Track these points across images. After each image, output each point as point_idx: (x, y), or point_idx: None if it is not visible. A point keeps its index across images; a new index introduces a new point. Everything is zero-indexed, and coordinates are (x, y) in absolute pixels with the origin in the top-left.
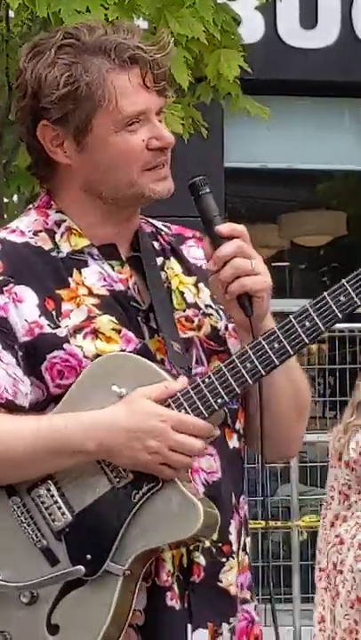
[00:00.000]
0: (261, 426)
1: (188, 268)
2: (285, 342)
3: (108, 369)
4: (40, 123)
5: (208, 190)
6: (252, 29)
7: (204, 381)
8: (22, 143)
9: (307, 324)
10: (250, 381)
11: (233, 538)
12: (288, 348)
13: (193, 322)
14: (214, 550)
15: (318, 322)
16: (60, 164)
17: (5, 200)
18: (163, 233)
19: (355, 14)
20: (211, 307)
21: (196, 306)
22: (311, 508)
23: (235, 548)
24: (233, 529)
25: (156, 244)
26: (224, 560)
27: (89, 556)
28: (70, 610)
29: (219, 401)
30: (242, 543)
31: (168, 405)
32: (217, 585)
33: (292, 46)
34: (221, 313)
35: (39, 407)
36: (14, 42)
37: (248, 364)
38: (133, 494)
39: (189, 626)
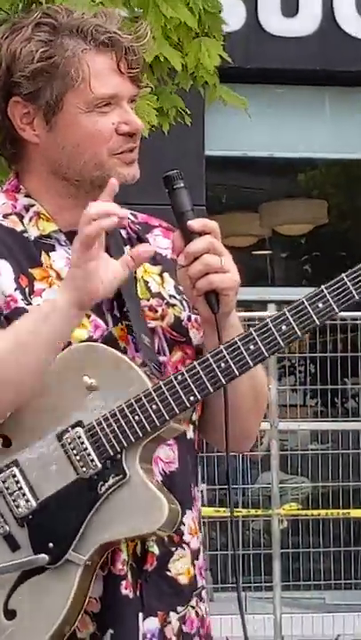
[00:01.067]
0: (226, 422)
1: (154, 258)
2: (261, 344)
3: (80, 359)
4: (11, 99)
5: (182, 185)
6: (233, 17)
7: (176, 378)
8: None
9: (283, 327)
10: (223, 381)
11: (185, 528)
12: (263, 350)
13: (157, 312)
14: (166, 539)
15: (295, 326)
16: (29, 144)
17: None
18: (129, 221)
19: (336, 3)
20: (175, 297)
21: (160, 295)
22: (292, 496)
23: (186, 538)
24: (186, 519)
25: (123, 232)
26: (173, 549)
27: (51, 545)
28: (28, 596)
29: (191, 398)
30: (198, 534)
31: (139, 400)
32: (166, 574)
33: (273, 35)
34: (185, 303)
35: None
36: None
37: (222, 364)
38: (99, 486)
39: (140, 614)
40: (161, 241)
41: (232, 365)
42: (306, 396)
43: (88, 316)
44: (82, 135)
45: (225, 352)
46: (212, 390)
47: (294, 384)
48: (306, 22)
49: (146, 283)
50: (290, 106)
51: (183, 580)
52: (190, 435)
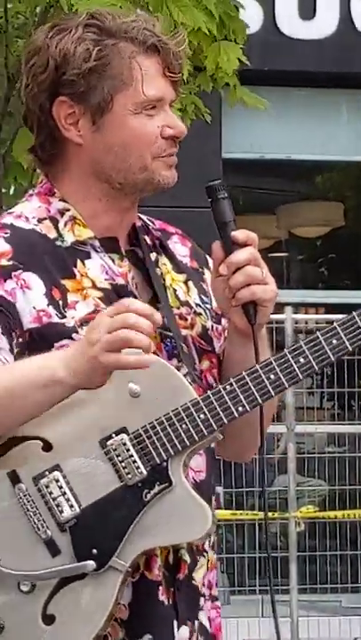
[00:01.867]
0: (261, 431)
1: (178, 265)
2: (311, 358)
3: None
4: (57, 99)
5: (225, 195)
6: (250, 20)
7: (225, 388)
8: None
9: (334, 341)
10: (272, 393)
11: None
12: (313, 363)
13: (186, 320)
14: (194, 548)
15: (345, 340)
16: (70, 144)
17: (3, 190)
18: (150, 227)
19: (353, 5)
20: (200, 305)
21: (187, 304)
22: (309, 498)
23: (206, 546)
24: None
25: (147, 239)
26: (198, 558)
27: (95, 551)
28: (68, 602)
29: (240, 409)
30: (212, 540)
31: (187, 409)
32: (192, 583)
33: (291, 37)
34: (208, 312)
35: None
36: (13, 33)
37: (272, 376)
38: (144, 493)
39: (175, 622)
40: (180, 248)
41: (281, 377)
42: (323, 398)
43: None
44: (129, 136)
45: (275, 364)
46: (260, 402)
47: (311, 386)
48: (323, 25)
49: (174, 291)
50: (307, 108)
51: (201, 588)
52: (220, 437)
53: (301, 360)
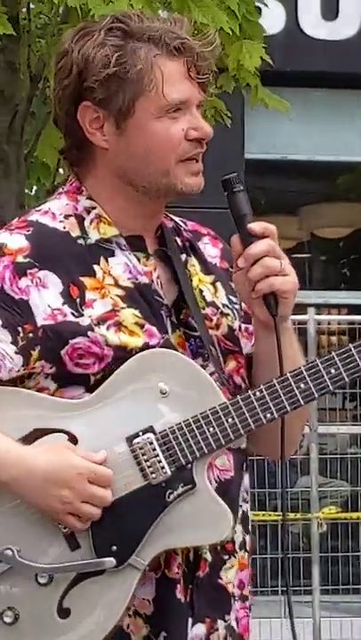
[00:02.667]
0: (282, 435)
1: (207, 266)
2: (342, 369)
3: (156, 364)
4: (81, 104)
5: (241, 188)
6: (273, 20)
7: (255, 394)
8: (43, 135)
9: None
10: (302, 402)
11: (236, 536)
12: (344, 375)
13: (212, 320)
14: (219, 547)
15: None
16: (97, 148)
17: (25, 190)
18: (182, 228)
19: None
20: (227, 306)
21: (214, 305)
22: (331, 499)
23: (237, 546)
24: (236, 527)
25: (178, 240)
26: (226, 557)
27: (115, 548)
28: (84, 596)
29: (268, 416)
30: (242, 540)
31: (215, 412)
32: (217, 582)
33: (314, 37)
34: (236, 313)
35: (61, 384)
36: (35, 33)
37: (302, 385)
38: (168, 494)
39: (190, 619)
40: (210, 249)
41: (312, 387)
42: (345, 399)
43: (141, 326)
44: (152, 140)
45: (305, 373)
46: (289, 410)
47: None
48: (346, 26)
49: (201, 291)
50: (329, 109)
51: (230, 588)
52: (244, 445)
53: (333, 371)
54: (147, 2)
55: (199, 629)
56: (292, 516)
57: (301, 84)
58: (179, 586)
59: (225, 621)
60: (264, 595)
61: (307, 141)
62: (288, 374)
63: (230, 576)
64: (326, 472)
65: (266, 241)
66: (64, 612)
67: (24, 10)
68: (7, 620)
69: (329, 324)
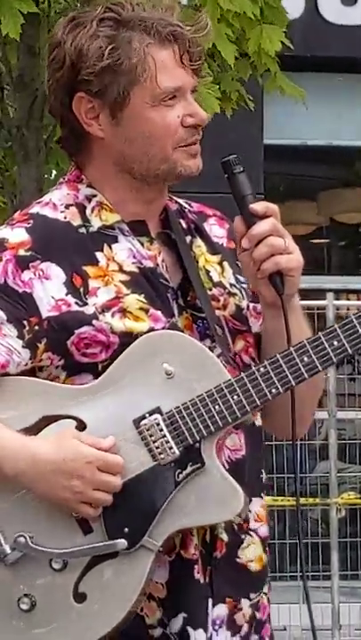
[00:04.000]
0: (292, 414)
1: (213, 247)
2: (345, 341)
3: (161, 346)
4: (76, 95)
5: (241, 169)
6: (292, 6)
7: (259, 370)
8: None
9: None
10: (306, 375)
11: (252, 515)
12: (347, 347)
13: (219, 301)
14: (235, 527)
15: None
16: (94, 138)
17: (45, 175)
18: (187, 210)
19: None
20: (235, 286)
21: (221, 285)
22: (350, 485)
23: (253, 525)
24: (253, 506)
25: (182, 222)
26: (243, 536)
27: (126, 530)
28: (99, 580)
29: (273, 391)
30: (266, 521)
31: (220, 390)
32: (235, 561)
33: (333, 23)
34: (244, 292)
35: (70, 373)
36: (54, 17)
37: (305, 358)
38: (177, 473)
39: (210, 600)
40: (217, 230)
41: (315, 360)
42: None
43: (146, 311)
44: (149, 129)
45: (308, 347)
46: (294, 384)
47: (352, 373)
48: None
49: (207, 272)
50: (349, 94)
51: (255, 566)
52: (258, 422)
53: (335, 343)
54: None
55: (220, 610)
56: (310, 501)
57: (320, 69)
58: (197, 567)
59: (250, 600)
60: (283, 580)
61: (326, 127)
62: (291, 348)
63: (250, 554)
64: (345, 457)
65: (269, 220)
66: (80, 597)
67: None
68: (24, 606)
69: (348, 309)
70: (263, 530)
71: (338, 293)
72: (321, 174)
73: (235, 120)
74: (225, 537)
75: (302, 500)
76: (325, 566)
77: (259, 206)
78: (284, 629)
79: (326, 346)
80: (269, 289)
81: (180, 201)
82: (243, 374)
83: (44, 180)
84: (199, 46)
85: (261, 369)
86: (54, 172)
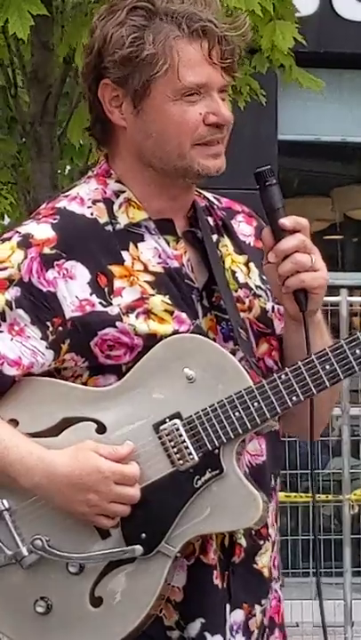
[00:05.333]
0: (311, 416)
1: (239, 246)
2: None
3: (183, 350)
4: (102, 81)
5: (274, 181)
6: (306, 2)
7: (280, 377)
8: (74, 115)
9: None
10: (327, 384)
11: (270, 521)
12: None
13: (244, 303)
14: (253, 532)
15: None
16: (117, 126)
17: (59, 171)
18: (215, 207)
19: None
20: (260, 287)
21: (246, 286)
22: None
23: (270, 531)
24: (270, 512)
25: (210, 220)
26: (261, 542)
27: (144, 535)
28: (116, 585)
29: (293, 399)
30: (276, 525)
31: (241, 397)
32: (252, 567)
33: (347, 19)
34: (269, 293)
35: (93, 373)
36: (69, 13)
37: (327, 367)
38: (195, 479)
39: (228, 605)
40: (244, 227)
41: (337, 369)
42: None
43: (171, 312)
44: (168, 123)
45: (330, 355)
46: (315, 392)
47: None
48: None
49: (233, 273)
50: None
51: (266, 572)
52: (277, 427)
53: (358, 352)
54: None
55: (237, 615)
56: (323, 497)
57: (335, 65)
58: (215, 572)
59: (261, 606)
60: (296, 576)
61: (340, 123)
62: (313, 356)
63: (265, 561)
64: (358, 454)
65: (297, 236)
66: (96, 601)
67: None
68: (40, 609)
69: None
70: (273, 534)
71: (351, 290)
72: (335, 171)
73: (249, 116)
74: (244, 542)
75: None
76: (338, 563)
77: (288, 221)
78: (297, 626)
79: (349, 354)
80: (293, 304)
81: (209, 195)
82: (264, 381)
83: (57, 176)
84: (232, 44)
85: (283, 376)
86: (68, 168)
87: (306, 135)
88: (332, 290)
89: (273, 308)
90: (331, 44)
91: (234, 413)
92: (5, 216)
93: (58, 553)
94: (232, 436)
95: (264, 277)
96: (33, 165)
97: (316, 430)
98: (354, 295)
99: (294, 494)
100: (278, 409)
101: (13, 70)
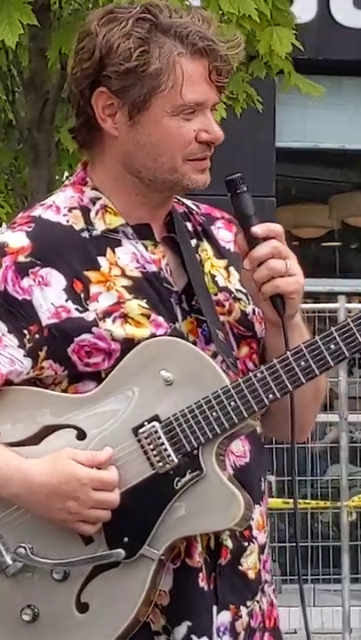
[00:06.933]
0: (292, 418)
1: (219, 251)
2: (342, 344)
3: (159, 352)
4: (98, 88)
5: (245, 189)
6: (304, 9)
7: (255, 375)
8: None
9: None
10: (303, 380)
11: (253, 523)
12: (344, 350)
13: (224, 306)
14: (238, 534)
15: None
16: (106, 134)
17: (56, 177)
18: (194, 213)
19: None
20: (240, 291)
21: (226, 290)
22: None
23: (255, 532)
24: (254, 514)
25: (189, 225)
26: (246, 544)
27: (126, 539)
28: (101, 590)
29: (270, 396)
30: (265, 528)
31: (217, 397)
32: (238, 568)
33: (345, 26)
34: (250, 297)
35: (73, 380)
36: (66, 19)
37: (303, 363)
38: (176, 481)
39: (215, 607)
40: (224, 233)
41: (312, 365)
42: None
43: (147, 316)
44: (163, 137)
45: (305, 351)
46: (291, 389)
47: None
48: None
49: (213, 277)
50: None
51: (252, 574)
52: (259, 429)
53: (332, 347)
54: None
55: (225, 617)
56: (321, 504)
57: (333, 72)
58: (201, 574)
59: (247, 607)
60: (294, 583)
61: (338, 130)
62: (288, 353)
63: (250, 562)
64: (356, 461)
65: (270, 242)
66: (82, 607)
67: None
68: (26, 617)
69: (360, 312)
70: (262, 537)
71: (349, 296)
72: (333, 177)
73: (247, 123)
74: (230, 544)
75: (313, 503)
76: (336, 569)
77: (260, 229)
78: (295, 632)
79: (323, 350)
80: (271, 309)
81: (188, 202)
82: (240, 380)
83: (54, 182)
84: (229, 65)
85: (258, 374)
86: (65, 174)
87: (304, 142)
88: (331, 296)
89: (254, 311)
90: (329, 51)
91: (211, 414)
92: (4, 224)
93: (41, 560)
94: (210, 437)
95: None
96: (30, 172)
97: (299, 432)
98: (352, 302)
99: (292, 501)
100: (255, 407)
101: (11, 76)
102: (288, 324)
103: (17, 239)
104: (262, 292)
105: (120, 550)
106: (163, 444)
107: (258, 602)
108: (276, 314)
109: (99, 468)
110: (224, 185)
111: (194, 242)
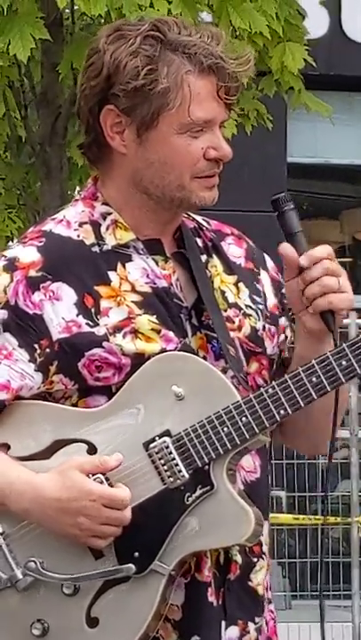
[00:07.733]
0: (333, 430)
1: (229, 267)
2: (354, 360)
3: (170, 367)
4: (106, 106)
5: (292, 206)
6: (316, 25)
7: (267, 391)
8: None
9: None
10: (315, 396)
11: (263, 539)
12: (356, 366)
13: (234, 322)
14: (247, 549)
15: None
16: (116, 152)
17: (68, 192)
18: (204, 229)
19: None
20: (250, 307)
21: (236, 306)
22: None
23: (264, 548)
24: (264, 529)
25: (199, 241)
26: (255, 560)
27: (137, 554)
28: (111, 605)
29: (282, 412)
30: (268, 543)
31: (229, 412)
32: (247, 584)
33: (357, 41)
34: (260, 313)
35: (83, 395)
36: (79, 34)
37: (314, 379)
38: (186, 497)
39: (223, 622)
40: (234, 249)
41: (324, 381)
42: None
43: (158, 331)
44: (171, 155)
45: (317, 367)
46: (303, 405)
47: None
48: None
49: (223, 293)
50: None
51: (261, 590)
52: (267, 444)
53: (344, 363)
54: (186, 6)
55: (233, 632)
56: (332, 520)
57: (344, 87)
58: (210, 589)
59: (255, 624)
60: (304, 599)
61: (349, 145)
62: (299, 369)
63: (260, 578)
64: None
65: (322, 264)
66: (93, 622)
67: (67, 11)
68: (36, 632)
69: None
70: (267, 552)
71: None
72: (344, 193)
73: (259, 139)
74: (239, 559)
75: (323, 519)
76: (346, 585)
77: (305, 262)
78: None
79: (335, 366)
80: (314, 321)
81: (198, 218)
82: (251, 395)
83: (66, 197)
84: (238, 81)
85: (270, 390)
86: (77, 189)
87: (315, 158)
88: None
89: (264, 327)
90: (341, 67)
91: (223, 429)
92: (15, 239)
93: (51, 575)
94: (221, 452)
95: (255, 297)
96: (42, 186)
97: (320, 443)
98: None
99: (303, 516)
100: (266, 423)
101: (23, 91)
102: (325, 337)
103: (28, 254)
104: (314, 306)
105: (130, 565)
106: (174, 459)
107: (264, 618)
108: (319, 325)
109: (110, 485)
110: (238, 200)
111: (204, 257)
